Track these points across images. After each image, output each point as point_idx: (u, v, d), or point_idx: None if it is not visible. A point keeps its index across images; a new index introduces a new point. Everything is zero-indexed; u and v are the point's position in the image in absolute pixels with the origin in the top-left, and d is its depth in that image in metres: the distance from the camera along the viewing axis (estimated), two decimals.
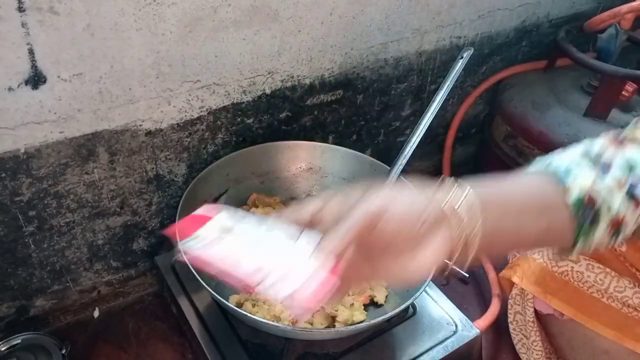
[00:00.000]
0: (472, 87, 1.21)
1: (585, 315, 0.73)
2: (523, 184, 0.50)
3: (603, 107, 1.05)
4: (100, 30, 0.68)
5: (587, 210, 0.47)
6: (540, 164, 0.51)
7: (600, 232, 0.48)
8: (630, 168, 0.49)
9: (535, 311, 0.82)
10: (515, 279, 0.79)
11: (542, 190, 0.48)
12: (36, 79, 0.68)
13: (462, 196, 0.45)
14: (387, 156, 1.17)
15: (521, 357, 0.89)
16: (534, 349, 0.85)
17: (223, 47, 0.80)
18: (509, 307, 0.87)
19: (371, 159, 0.96)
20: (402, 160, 0.90)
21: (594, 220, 0.47)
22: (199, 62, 0.79)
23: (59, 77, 0.69)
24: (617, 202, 0.48)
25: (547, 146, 1.06)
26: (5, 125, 0.69)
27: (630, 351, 0.71)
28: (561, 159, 0.50)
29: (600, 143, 0.53)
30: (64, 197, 0.81)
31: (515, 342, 0.89)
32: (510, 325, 0.88)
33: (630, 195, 0.48)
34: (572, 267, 0.73)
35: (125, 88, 0.75)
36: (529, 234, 0.47)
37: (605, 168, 0.49)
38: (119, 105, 0.76)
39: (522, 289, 0.80)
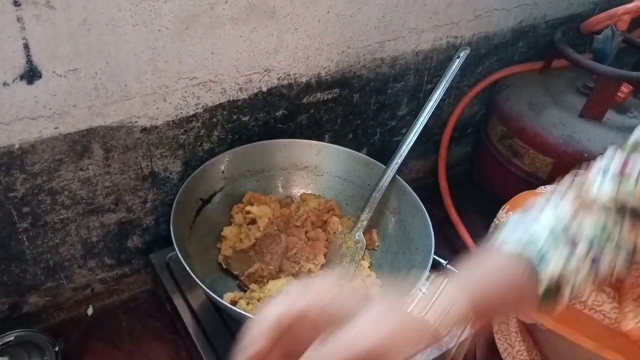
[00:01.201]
0: (469, 87, 1.21)
1: (566, 326, 0.72)
2: (501, 278, 0.54)
3: (598, 108, 1.05)
4: (96, 26, 0.68)
5: (552, 295, 0.53)
6: (516, 244, 0.54)
7: (562, 303, 0.54)
8: (591, 242, 0.54)
9: (520, 321, 0.82)
10: None
11: (518, 283, 0.53)
12: (31, 74, 0.68)
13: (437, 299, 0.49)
14: (383, 155, 1.17)
15: None
16: (519, 358, 0.85)
17: (219, 44, 0.79)
18: None
19: (367, 157, 0.96)
20: (398, 160, 0.90)
21: (558, 298, 0.54)
22: (195, 58, 0.79)
23: (54, 72, 0.69)
24: (580, 280, 0.53)
25: (543, 147, 1.06)
26: None
27: None
28: (534, 238, 0.54)
29: (566, 209, 0.56)
30: (58, 193, 0.80)
31: (501, 351, 0.89)
32: (495, 335, 0.88)
33: (593, 269, 0.54)
34: None
35: (121, 84, 0.75)
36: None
37: (573, 245, 0.53)
38: (114, 101, 0.76)
39: None
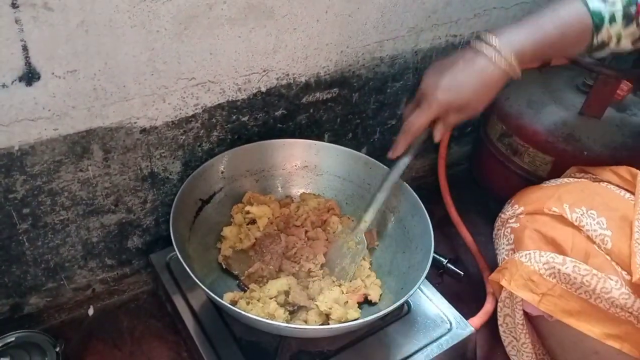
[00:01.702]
0: None
1: (572, 317, 0.73)
2: (564, 24, 0.75)
3: (598, 106, 1.05)
4: (94, 27, 0.68)
5: (601, 47, 0.76)
6: (592, 11, 0.74)
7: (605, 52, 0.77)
8: None
9: (526, 313, 0.82)
10: (503, 283, 0.79)
11: (577, 29, 0.75)
12: (30, 76, 0.68)
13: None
14: (383, 154, 1.16)
15: (511, 359, 0.89)
16: (524, 351, 0.85)
17: (218, 45, 0.80)
18: (499, 309, 0.87)
19: (366, 157, 0.96)
20: (403, 164, 0.87)
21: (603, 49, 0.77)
22: (194, 59, 0.79)
23: (52, 73, 0.69)
24: (626, 41, 0.76)
25: (542, 145, 1.06)
26: None
27: (618, 351, 0.71)
28: (606, 10, 0.73)
29: None
30: (58, 194, 0.81)
31: (505, 344, 0.89)
32: (500, 327, 0.89)
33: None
34: (559, 270, 0.73)
35: (120, 85, 0.75)
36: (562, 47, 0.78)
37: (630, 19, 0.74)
38: (113, 102, 0.76)
39: (511, 292, 0.80)
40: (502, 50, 0.74)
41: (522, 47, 0.75)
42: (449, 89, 0.76)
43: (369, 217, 0.89)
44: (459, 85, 0.76)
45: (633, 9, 0.73)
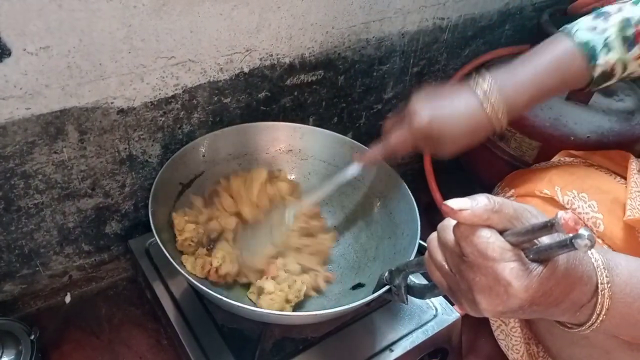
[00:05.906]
0: (455, 70, 1.19)
1: None
2: (555, 74, 0.72)
3: (585, 91, 1.04)
4: (68, 1, 0.65)
5: (605, 78, 0.73)
6: (579, 44, 0.71)
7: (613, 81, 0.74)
8: None
9: None
10: None
11: (571, 74, 0.72)
12: (0, 52, 0.64)
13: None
14: (369, 139, 1.15)
15: (499, 343, 0.89)
16: (512, 335, 0.85)
17: (199, 22, 0.77)
18: None
19: (352, 141, 0.94)
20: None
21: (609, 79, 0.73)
22: (174, 37, 0.76)
23: (24, 50, 0.66)
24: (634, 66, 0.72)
25: (529, 130, 1.05)
26: None
27: (608, 336, 0.70)
28: (596, 38, 0.70)
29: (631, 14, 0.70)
30: (32, 177, 0.78)
31: (493, 328, 0.88)
32: None
33: None
34: None
35: (96, 63, 0.72)
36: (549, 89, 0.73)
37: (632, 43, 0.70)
38: (88, 81, 0.73)
39: None
40: (495, 101, 0.71)
41: (515, 95, 0.72)
42: (434, 117, 0.72)
43: (299, 209, 0.88)
44: (445, 117, 0.73)
45: (630, 32, 0.70)
